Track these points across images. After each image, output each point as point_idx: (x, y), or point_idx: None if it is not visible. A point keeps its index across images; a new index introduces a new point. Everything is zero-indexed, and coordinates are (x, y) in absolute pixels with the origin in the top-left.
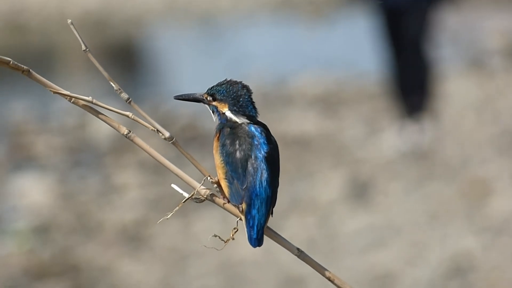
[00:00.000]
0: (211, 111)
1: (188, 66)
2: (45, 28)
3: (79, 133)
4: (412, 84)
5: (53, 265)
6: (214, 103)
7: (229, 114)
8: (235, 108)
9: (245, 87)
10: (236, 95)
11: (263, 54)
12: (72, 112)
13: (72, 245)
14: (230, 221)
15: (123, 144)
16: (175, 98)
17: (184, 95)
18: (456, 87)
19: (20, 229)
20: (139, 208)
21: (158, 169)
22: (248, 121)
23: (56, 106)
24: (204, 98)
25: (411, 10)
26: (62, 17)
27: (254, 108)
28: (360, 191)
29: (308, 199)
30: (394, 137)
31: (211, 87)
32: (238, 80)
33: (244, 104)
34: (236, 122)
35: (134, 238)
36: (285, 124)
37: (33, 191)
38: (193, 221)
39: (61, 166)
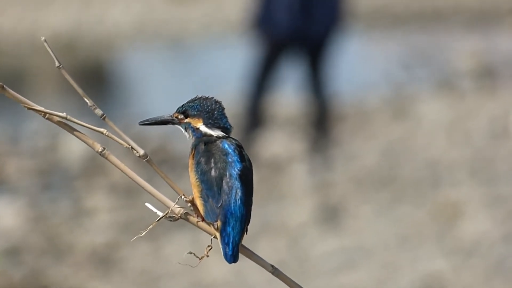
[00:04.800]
0: (183, 130)
1: (159, 88)
2: (16, 51)
3: (50, 156)
4: (312, 117)
5: (24, 287)
6: (187, 120)
7: (203, 128)
8: (210, 121)
9: (218, 102)
10: (210, 108)
11: (234, 76)
12: (42, 134)
13: (42, 267)
14: (201, 243)
15: (94, 167)
16: (140, 124)
17: (150, 119)
18: (426, 108)
19: None
20: (109, 231)
21: (129, 192)
22: (223, 134)
23: (26, 128)
24: (175, 117)
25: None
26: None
27: (228, 121)
28: (331, 214)
29: (279, 222)
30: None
31: (182, 105)
32: (210, 96)
33: (218, 117)
34: (212, 135)
35: (104, 260)
36: (257, 146)
37: (4, 214)
38: (164, 244)
39: (32, 189)
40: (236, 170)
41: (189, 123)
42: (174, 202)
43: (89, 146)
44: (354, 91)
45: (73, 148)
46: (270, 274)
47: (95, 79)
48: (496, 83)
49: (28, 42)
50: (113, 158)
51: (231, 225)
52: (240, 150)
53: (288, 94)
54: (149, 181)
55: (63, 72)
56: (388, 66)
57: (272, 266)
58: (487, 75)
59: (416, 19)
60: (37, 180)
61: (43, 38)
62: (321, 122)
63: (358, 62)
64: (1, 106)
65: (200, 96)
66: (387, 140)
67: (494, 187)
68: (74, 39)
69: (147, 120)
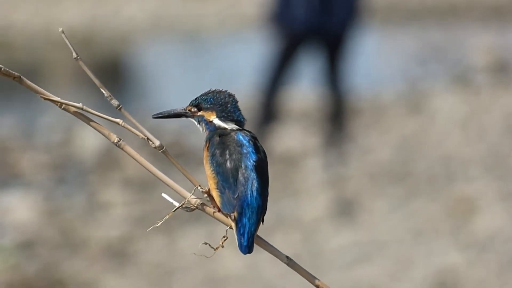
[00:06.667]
0: (196, 123)
1: (175, 82)
2: (31, 45)
3: (64, 150)
4: (327, 111)
5: (38, 281)
6: (200, 113)
7: (217, 121)
8: (223, 114)
9: (231, 95)
10: (224, 101)
11: (249, 70)
12: (56, 128)
13: (57, 261)
14: (215, 237)
15: (108, 161)
16: (153, 117)
17: (164, 112)
18: (441, 104)
19: (5, 245)
20: (124, 225)
21: (143, 186)
22: (237, 127)
23: (41, 122)
24: (188, 111)
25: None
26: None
27: (241, 114)
28: (345, 209)
29: (294, 216)
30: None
31: (196, 98)
32: (223, 89)
33: (232, 110)
34: (226, 128)
35: (119, 254)
36: (271, 140)
37: (18, 208)
38: (178, 238)
39: (46, 183)
40: (252, 161)
41: (202, 116)
42: (189, 193)
43: (105, 136)
44: (369, 86)
45: (87, 142)
46: (284, 268)
47: (110, 73)
48: (511, 78)
49: (42, 37)
50: (129, 149)
51: (247, 216)
52: (254, 141)
53: (303, 88)
54: (164, 173)
55: (81, 63)
56: (403, 61)
57: (287, 257)
58: (502, 71)
59: (431, 15)
60: (51, 174)
61: (60, 29)
62: (336, 116)
63: (374, 57)
64: (15, 101)
65: (213, 89)
66: (402, 135)
67: (508, 182)
68: (89, 34)
69: (161, 113)
